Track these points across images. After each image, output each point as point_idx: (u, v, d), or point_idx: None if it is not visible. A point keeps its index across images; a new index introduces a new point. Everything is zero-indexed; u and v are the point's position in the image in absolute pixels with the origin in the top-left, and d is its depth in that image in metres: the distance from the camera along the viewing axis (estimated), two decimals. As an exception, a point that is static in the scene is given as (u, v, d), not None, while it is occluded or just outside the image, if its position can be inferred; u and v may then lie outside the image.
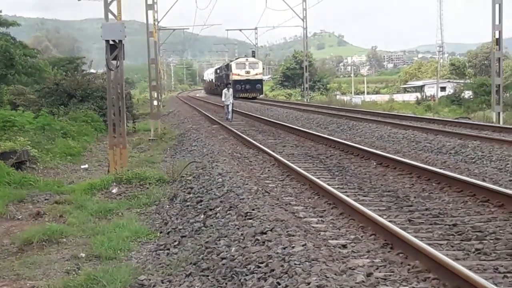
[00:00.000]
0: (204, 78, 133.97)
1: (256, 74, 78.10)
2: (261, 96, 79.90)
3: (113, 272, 10.38)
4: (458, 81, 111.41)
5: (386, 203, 12.66)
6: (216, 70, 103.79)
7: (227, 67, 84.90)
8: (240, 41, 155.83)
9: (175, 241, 12.16)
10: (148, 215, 15.43)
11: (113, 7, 20.88)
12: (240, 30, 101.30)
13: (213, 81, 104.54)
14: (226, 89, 39.48)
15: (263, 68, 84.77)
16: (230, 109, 38.02)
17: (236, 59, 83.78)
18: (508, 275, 7.87)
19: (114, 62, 20.61)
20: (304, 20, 64.89)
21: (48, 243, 12.95)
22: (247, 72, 77.29)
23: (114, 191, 17.95)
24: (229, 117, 37.67)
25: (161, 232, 13.41)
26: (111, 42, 20.04)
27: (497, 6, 32.47)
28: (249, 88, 76.58)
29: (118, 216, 15.32)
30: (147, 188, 18.22)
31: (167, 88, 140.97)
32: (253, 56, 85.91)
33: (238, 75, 77.01)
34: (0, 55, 40.99)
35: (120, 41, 20.09)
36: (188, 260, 10.50)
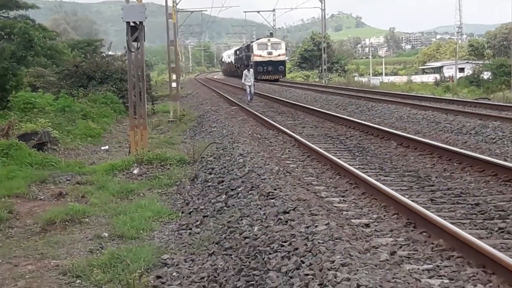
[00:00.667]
0: (223, 60, 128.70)
1: (279, 55, 74.10)
2: (283, 78, 76.15)
3: (137, 251, 10.54)
4: (476, 62, 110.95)
5: (408, 183, 12.67)
6: (235, 51, 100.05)
7: (248, 48, 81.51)
8: (258, 23, 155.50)
9: (197, 221, 12.28)
10: (169, 195, 15.61)
11: None
12: (258, 12, 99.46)
13: (233, 62, 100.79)
14: (246, 70, 39.34)
15: (286, 49, 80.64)
16: (251, 90, 37.92)
17: (258, 39, 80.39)
18: None
19: (134, 43, 20.75)
20: (322, 1, 64.76)
21: (71, 223, 13.14)
22: (269, 53, 73.48)
23: (135, 171, 18.15)
24: (250, 98, 37.55)
25: (182, 212, 13.54)
26: (131, 24, 20.15)
27: (517, -15, 32.20)
28: (271, 70, 73.06)
29: (140, 196, 15.53)
30: (168, 169, 18.40)
31: (185, 70, 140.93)
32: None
33: (260, 56, 73.34)
34: (20, 37, 41.41)
35: (141, 22, 20.19)
36: (211, 240, 10.59)
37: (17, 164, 18.97)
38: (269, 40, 75.87)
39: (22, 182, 16.78)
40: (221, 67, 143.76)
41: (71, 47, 54.77)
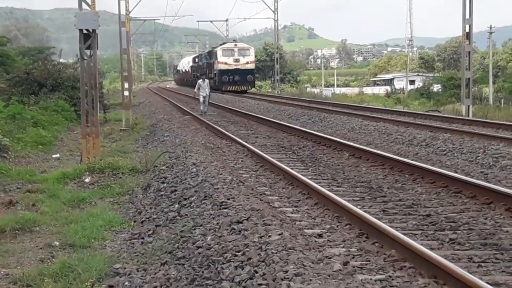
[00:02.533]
0: (178, 69, 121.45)
1: (247, 63, 65.78)
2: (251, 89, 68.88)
3: (88, 261, 10.43)
4: (427, 74, 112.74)
5: (360, 194, 12.76)
6: (194, 59, 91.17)
7: (210, 54, 73.54)
8: (211, 33, 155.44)
9: (149, 230, 12.19)
10: (121, 204, 15.58)
11: None
12: (211, 21, 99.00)
13: (190, 71, 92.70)
14: (201, 80, 38.35)
15: (255, 56, 73.69)
16: (206, 100, 36.86)
17: (223, 44, 71.08)
18: (483, 264, 7.97)
19: (87, 51, 20.64)
20: (275, 12, 64.85)
21: (21, 232, 13.04)
22: (236, 60, 65.23)
23: (87, 180, 18.09)
24: (205, 109, 36.53)
25: (135, 221, 13.49)
26: (84, 32, 20.05)
27: (467, 0, 32.80)
28: (238, 80, 64.87)
29: (92, 205, 15.44)
30: (120, 177, 18.38)
31: (138, 79, 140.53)
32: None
33: (225, 63, 65.01)
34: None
35: (94, 30, 20.12)
36: (163, 249, 10.52)
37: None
38: (235, 45, 68.34)
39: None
40: (175, 76, 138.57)
41: (22, 54, 54.20)
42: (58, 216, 14.08)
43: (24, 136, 25.68)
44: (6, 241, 12.33)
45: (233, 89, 64.10)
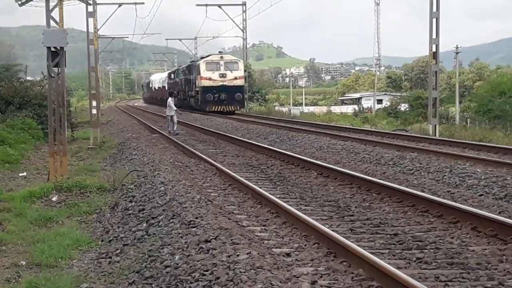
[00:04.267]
0: (151, 86, 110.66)
1: (236, 79, 56.89)
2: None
3: (55, 280, 10.42)
4: (394, 94, 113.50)
5: (328, 213, 12.80)
6: (170, 74, 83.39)
7: (190, 68, 65.28)
8: (180, 51, 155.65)
9: (117, 249, 12.10)
10: (89, 223, 15.32)
11: (55, 14, 20.87)
12: (180, 39, 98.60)
13: (165, 88, 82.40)
14: (170, 98, 36.38)
15: (245, 71, 62.39)
16: (174, 119, 34.75)
17: (206, 56, 61.05)
18: (449, 283, 8.03)
19: (55, 69, 20.61)
20: (244, 31, 64.80)
21: None
22: (222, 75, 56.52)
23: (54, 199, 17.89)
24: (174, 128, 34.87)
25: (102, 241, 13.39)
26: (52, 49, 20.00)
27: (434, 20, 33.23)
28: (225, 99, 56.04)
29: (59, 224, 15.19)
30: (88, 196, 18.17)
31: (106, 97, 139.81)
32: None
33: (210, 79, 56.24)
34: None
35: (62, 48, 20.06)
36: (131, 268, 10.53)
37: None
38: (221, 57, 58.43)
39: None
40: (144, 94, 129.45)
41: None
42: (25, 235, 13.82)
43: (-11, 153, 25.66)
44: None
45: (219, 109, 55.72)
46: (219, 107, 55.77)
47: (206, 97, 55.64)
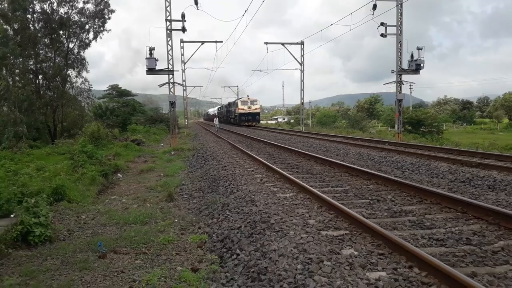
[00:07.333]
0: (208, 113, 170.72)
1: (256, 109, 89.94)
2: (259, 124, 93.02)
3: (173, 180, 17.70)
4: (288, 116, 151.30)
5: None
6: (218, 108, 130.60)
7: (230, 104, 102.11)
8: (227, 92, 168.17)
9: (194, 170, 20.07)
10: (184, 161, 25.15)
11: (172, 89, 34.56)
12: (229, 87, 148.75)
13: (215, 114, 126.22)
14: (216, 118, 68.71)
15: (260, 105, 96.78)
16: (217, 126, 65.83)
17: (241, 98, 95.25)
18: (305, 177, 15.21)
19: (172, 109, 35.82)
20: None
21: (149, 171, 21.46)
22: (249, 107, 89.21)
23: (172, 153, 29.95)
24: (217, 129, 64.09)
25: (189, 167, 21.61)
26: (171, 101, 36.49)
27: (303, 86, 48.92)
28: (250, 118, 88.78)
29: (174, 161, 25.16)
30: (184, 152, 30.01)
31: (189, 118, 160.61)
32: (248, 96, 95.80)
33: (243, 109, 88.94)
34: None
35: (174, 102, 34.86)
36: (199, 176, 17.93)
37: (130, 150, 31.81)
38: (248, 98, 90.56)
39: (132, 156, 28.10)
40: (204, 117, 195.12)
41: (141, 112, 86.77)
42: (162, 166, 23.01)
43: (151, 138, 45.87)
44: (144, 174, 20.93)
45: (247, 124, 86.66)
46: (247, 122, 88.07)
47: (241, 118, 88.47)
